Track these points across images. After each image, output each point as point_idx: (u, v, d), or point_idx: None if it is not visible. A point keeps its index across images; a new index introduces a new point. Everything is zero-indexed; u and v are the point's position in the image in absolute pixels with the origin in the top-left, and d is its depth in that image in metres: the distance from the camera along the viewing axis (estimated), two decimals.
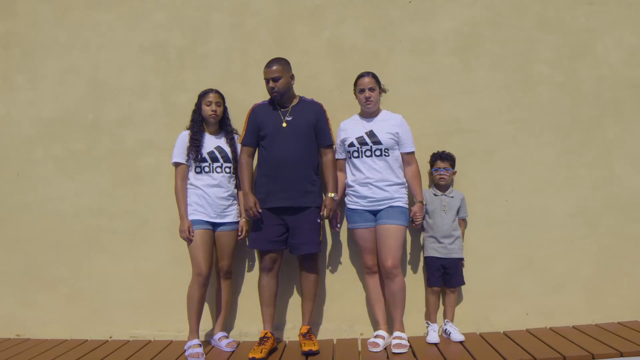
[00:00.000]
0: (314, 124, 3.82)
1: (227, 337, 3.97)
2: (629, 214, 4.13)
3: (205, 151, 3.87)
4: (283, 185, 3.72)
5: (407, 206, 3.82)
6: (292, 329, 4.11)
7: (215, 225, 3.88)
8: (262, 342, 3.70)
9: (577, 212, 4.12)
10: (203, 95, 3.92)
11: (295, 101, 3.87)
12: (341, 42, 4.29)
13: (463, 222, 4.05)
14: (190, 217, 3.83)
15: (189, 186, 3.89)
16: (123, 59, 4.42)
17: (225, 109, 3.98)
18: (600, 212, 4.12)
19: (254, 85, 4.24)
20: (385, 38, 4.26)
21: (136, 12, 4.44)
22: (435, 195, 3.97)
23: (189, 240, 3.80)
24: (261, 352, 3.61)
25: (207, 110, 3.88)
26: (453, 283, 3.92)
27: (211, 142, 3.92)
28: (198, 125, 3.91)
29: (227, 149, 3.93)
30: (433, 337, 3.82)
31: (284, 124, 3.76)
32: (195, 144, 3.85)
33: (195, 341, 3.74)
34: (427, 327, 3.93)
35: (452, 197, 3.97)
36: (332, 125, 3.92)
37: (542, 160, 4.15)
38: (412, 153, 3.85)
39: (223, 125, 3.99)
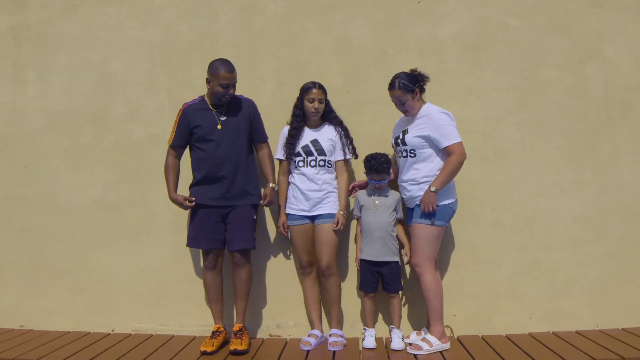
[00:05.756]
0: (250, 121, 3.86)
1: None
2: (636, 219, 4.08)
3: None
4: (222, 186, 3.75)
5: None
6: (294, 327, 4.12)
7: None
8: (215, 336, 3.80)
9: (583, 216, 4.09)
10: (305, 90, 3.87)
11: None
12: (349, 41, 4.29)
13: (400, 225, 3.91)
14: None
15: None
16: (132, 54, 4.46)
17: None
18: (607, 216, 4.08)
19: (263, 82, 4.27)
20: (394, 38, 4.26)
21: (146, 7, 4.47)
22: (368, 195, 3.86)
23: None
24: (212, 346, 3.70)
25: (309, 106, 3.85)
26: (389, 288, 3.83)
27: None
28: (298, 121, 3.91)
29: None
30: (369, 342, 3.73)
31: (219, 126, 3.76)
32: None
33: (315, 332, 3.88)
34: (364, 332, 3.84)
35: (387, 196, 3.84)
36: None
37: (549, 163, 4.12)
38: None
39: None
